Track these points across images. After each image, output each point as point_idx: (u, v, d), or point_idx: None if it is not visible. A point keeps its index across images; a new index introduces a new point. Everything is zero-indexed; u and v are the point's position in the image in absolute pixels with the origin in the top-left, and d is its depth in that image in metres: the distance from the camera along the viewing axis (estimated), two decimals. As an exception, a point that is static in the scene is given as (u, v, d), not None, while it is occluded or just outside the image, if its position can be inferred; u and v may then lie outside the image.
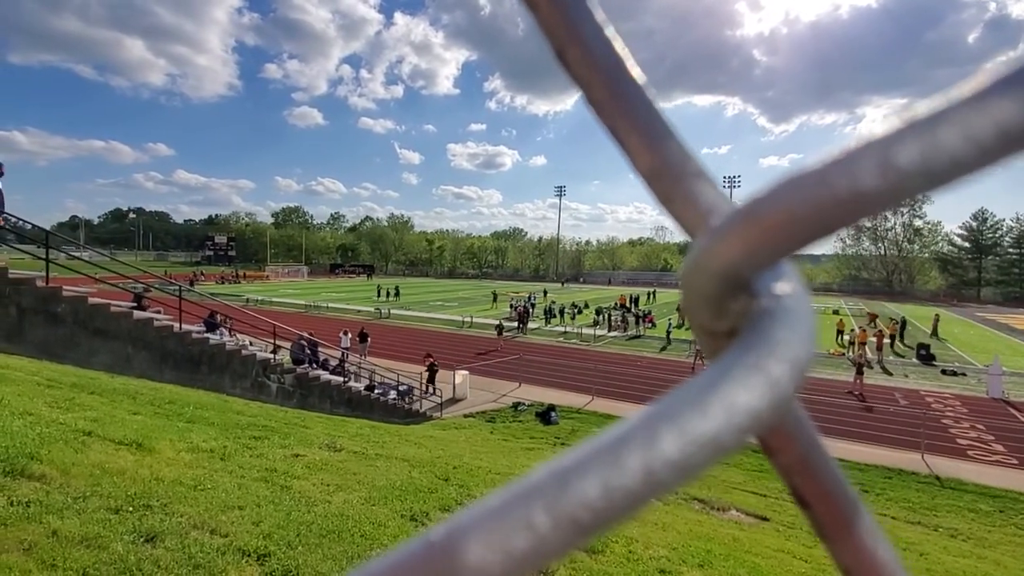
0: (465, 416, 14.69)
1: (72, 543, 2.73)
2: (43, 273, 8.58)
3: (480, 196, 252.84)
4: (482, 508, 0.16)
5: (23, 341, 8.08)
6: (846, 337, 26.83)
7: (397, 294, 47.89)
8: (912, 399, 17.69)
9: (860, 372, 18.27)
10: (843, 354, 24.95)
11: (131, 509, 3.22)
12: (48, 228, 9.61)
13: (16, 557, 2.53)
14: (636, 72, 0.25)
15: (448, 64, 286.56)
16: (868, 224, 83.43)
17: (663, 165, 0.24)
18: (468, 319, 32.81)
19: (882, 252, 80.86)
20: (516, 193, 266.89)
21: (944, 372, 22.28)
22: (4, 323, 8.04)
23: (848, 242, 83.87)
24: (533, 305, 38.42)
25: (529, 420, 14.27)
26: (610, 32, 0.24)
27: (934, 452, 12.54)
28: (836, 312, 40.92)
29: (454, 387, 16.39)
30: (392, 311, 36.91)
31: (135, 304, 9.95)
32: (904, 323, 32.20)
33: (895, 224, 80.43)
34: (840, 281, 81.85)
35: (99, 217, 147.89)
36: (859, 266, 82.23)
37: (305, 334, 13.57)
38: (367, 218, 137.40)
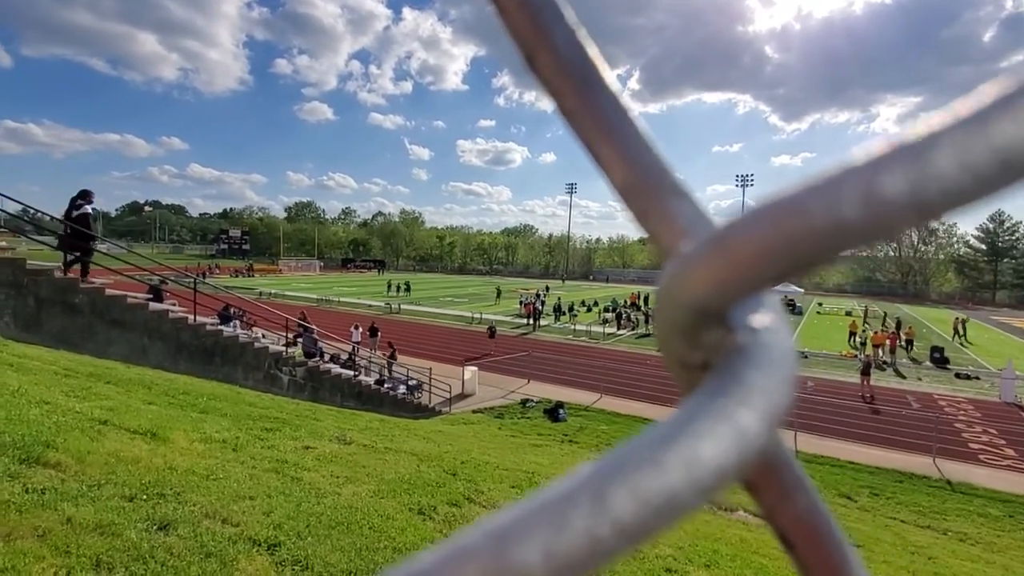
0: (474, 412, 14.74)
1: (86, 530, 2.79)
2: (60, 264, 8.75)
3: (490, 192, 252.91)
4: (410, 572, 0.14)
5: (41, 331, 8.23)
6: (858, 339, 26.53)
7: (408, 289, 48.06)
8: (925, 402, 17.48)
9: (866, 373, 18.15)
10: (856, 356, 24.68)
11: (145, 497, 3.28)
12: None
13: (31, 543, 2.58)
14: (610, 79, 0.23)
15: (456, 60, 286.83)
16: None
17: (639, 179, 0.23)
18: (478, 315, 32.88)
19: (897, 253, 79.77)
20: (526, 190, 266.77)
21: (958, 376, 21.98)
22: (23, 313, 8.19)
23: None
24: (543, 302, 38.39)
25: (537, 417, 14.30)
26: (582, 36, 0.23)
27: (946, 456, 12.41)
28: (849, 313, 40.46)
29: (463, 383, 16.43)
30: (402, 306, 37.07)
31: (151, 296, 10.09)
32: (899, 324, 31.75)
33: (910, 225, 79.41)
34: (853, 282, 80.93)
35: (116, 209, 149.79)
36: (873, 267, 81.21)
37: (313, 326, 13.66)
38: (379, 213, 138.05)
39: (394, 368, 16.06)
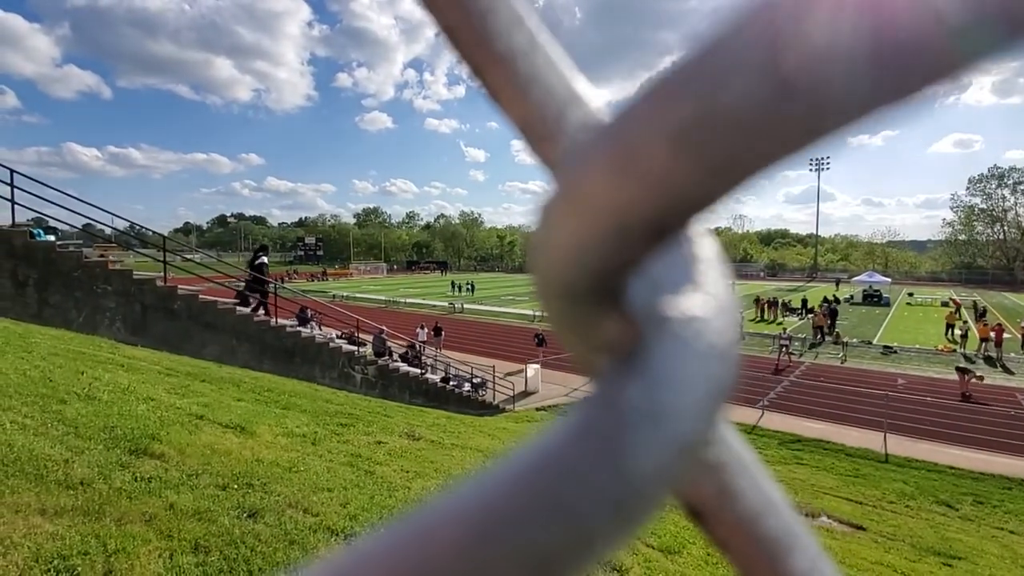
0: (537, 409, 14.79)
1: (186, 516, 3.06)
2: (162, 274, 9.63)
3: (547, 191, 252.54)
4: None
5: (146, 334, 9.09)
6: (957, 331, 24.25)
7: (472, 289, 48.83)
8: (1040, 402, 15.71)
9: (961, 369, 16.70)
10: (954, 350, 22.57)
11: (236, 487, 3.55)
12: (165, 234, 10.76)
13: (139, 527, 2.86)
14: None
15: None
16: (982, 205, 74.35)
17: (542, 115, 0.16)
18: (539, 313, 32.89)
19: (1000, 236, 72.06)
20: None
21: (1081, 372, 19.59)
22: (130, 318, 9.09)
23: (957, 226, 75.37)
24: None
25: (602, 415, 14.13)
26: None
27: (1067, 462, 11.10)
28: (946, 304, 37.01)
29: (526, 380, 16.53)
30: (465, 306, 37.74)
31: (238, 300, 10.91)
32: (985, 311, 28.55)
33: (1015, 204, 71.48)
34: (950, 269, 73.93)
35: (207, 223, 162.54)
36: (974, 253, 73.79)
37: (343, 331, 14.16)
38: (440, 215, 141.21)
39: (459, 367, 16.40)
